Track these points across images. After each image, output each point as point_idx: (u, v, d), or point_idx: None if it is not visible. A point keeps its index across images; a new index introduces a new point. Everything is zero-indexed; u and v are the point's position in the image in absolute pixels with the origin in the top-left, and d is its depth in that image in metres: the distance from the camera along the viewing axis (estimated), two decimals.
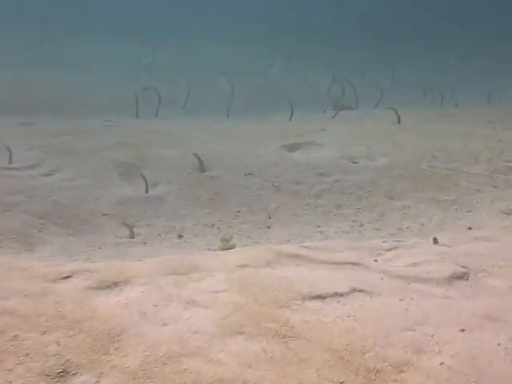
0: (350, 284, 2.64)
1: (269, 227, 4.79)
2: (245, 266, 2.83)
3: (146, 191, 5.00)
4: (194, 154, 5.56)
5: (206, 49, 19.68)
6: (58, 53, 16.13)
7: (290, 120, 8.22)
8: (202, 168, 5.55)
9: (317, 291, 2.54)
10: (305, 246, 3.32)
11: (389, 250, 3.52)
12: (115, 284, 2.50)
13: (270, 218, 4.93)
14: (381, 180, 5.53)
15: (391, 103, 11.11)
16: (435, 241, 3.61)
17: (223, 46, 20.55)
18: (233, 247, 4.14)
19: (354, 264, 2.95)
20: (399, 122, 7.75)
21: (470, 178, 5.59)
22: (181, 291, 2.48)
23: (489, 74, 16.22)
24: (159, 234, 4.48)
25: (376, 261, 3.13)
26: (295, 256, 3.03)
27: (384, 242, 3.93)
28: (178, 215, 4.84)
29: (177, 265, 2.79)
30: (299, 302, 2.43)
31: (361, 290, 2.58)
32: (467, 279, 2.82)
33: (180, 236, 4.47)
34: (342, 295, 2.53)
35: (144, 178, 4.94)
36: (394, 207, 5.13)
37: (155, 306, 2.32)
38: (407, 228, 4.71)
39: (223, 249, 4.12)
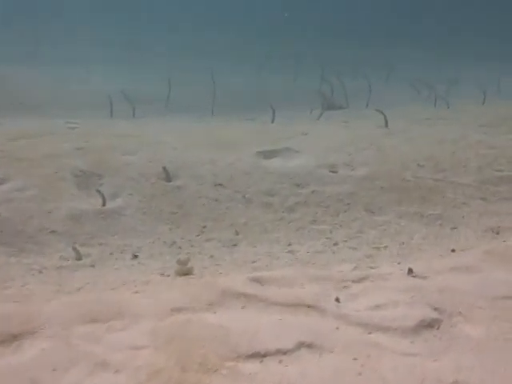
0: (299, 336, 2.24)
1: (235, 245, 4.39)
2: (180, 309, 2.42)
3: (103, 204, 4.59)
4: (163, 168, 5.15)
5: (202, 46, 19.27)
6: (47, 50, 15.69)
7: (272, 122, 7.80)
8: (168, 177, 5.14)
9: (256, 347, 2.13)
10: (259, 280, 2.91)
11: (357, 280, 3.12)
12: (14, 337, 2.10)
13: (237, 234, 4.53)
14: (361, 192, 5.12)
15: (385, 102, 10.73)
16: (410, 271, 3.21)
17: (220, 43, 20.13)
18: (190, 271, 3.75)
19: (309, 307, 2.55)
20: (387, 125, 7.33)
21: (457, 190, 5.18)
22: (94, 347, 2.08)
23: (489, 71, 15.78)
24: (111, 254, 4.08)
25: (338, 300, 2.72)
26: (243, 295, 2.63)
27: (354, 268, 3.54)
28: (135, 232, 4.43)
29: (100, 308, 2.38)
30: (232, 364, 2.02)
31: (309, 345, 2.18)
32: (438, 328, 2.41)
33: (135, 256, 4.07)
34: (285, 353, 2.12)
35: (100, 192, 4.53)
36: (374, 223, 4.72)
37: (54, 370, 1.92)
38: (385, 248, 4.30)
39: (179, 273, 3.73)
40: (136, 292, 2.82)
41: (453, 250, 4.02)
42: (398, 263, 3.78)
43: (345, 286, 3.01)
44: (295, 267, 3.63)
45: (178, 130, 7.00)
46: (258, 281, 2.93)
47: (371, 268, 3.56)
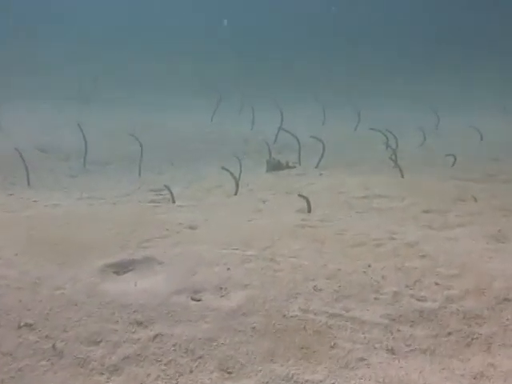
0: None
1: None
2: None
3: None
4: None
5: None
6: None
7: (173, 202, 6.42)
8: None
9: None
10: None
11: None
12: None
13: None
14: (222, 336, 3.70)
15: (341, 161, 9.37)
16: None
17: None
18: None
19: None
20: (309, 210, 5.96)
21: (356, 333, 3.76)
22: None
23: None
24: None
25: None
26: None
27: None
28: None
29: None
30: None
31: None
32: None
33: None
34: None
35: None
36: None
37: None
38: None
39: None
40: None
41: None
42: None
43: None
44: None
45: (39, 216, 5.62)
46: None
47: None
